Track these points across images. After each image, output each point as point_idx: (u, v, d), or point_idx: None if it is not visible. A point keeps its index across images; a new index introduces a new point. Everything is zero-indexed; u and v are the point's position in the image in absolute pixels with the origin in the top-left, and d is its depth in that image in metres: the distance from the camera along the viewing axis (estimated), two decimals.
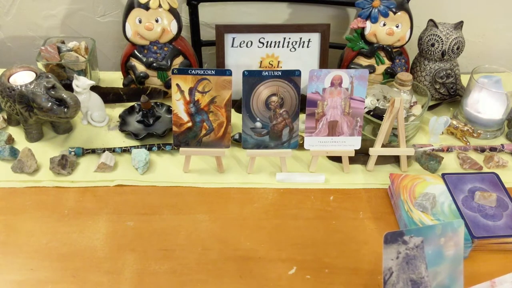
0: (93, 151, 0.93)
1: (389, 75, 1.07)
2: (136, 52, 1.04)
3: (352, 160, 0.92)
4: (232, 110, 0.90)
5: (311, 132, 0.88)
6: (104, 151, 0.93)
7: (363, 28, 1.04)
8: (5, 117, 1.00)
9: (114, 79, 1.14)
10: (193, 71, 0.83)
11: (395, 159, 0.94)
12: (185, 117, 0.86)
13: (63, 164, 0.88)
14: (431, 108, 1.07)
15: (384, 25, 1.03)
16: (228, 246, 0.77)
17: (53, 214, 0.82)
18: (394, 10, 1.02)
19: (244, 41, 1.04)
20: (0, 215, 0.82)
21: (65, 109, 0.87)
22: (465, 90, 1.03)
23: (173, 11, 1.00)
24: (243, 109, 0.86)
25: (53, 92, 0.86)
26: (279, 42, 1.05)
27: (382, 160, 0.93)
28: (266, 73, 0.84)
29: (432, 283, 0.62)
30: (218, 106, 0.86)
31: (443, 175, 0.87)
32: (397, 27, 1.03)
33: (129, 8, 0.99)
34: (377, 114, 0.96)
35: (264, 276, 0.73)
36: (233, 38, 1.04)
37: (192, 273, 0.73)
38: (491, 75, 1.02)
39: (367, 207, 0.84)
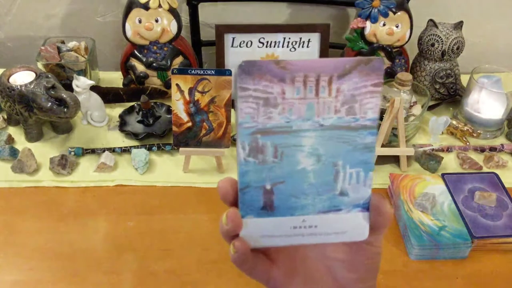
0: (93, 151, 0.93)
1: (389, 75, 1.07)
2: (136, 52, 1.04)
3: None
4: (232, 110, 0.90)
5: None
6: (104, 151, 0.93)
7: (363, 28, 1.04)
8: (5, 117, 1.00)
9: (114, 79, 1.14)
10: (193, 71, 0.83)
11: (395, 159, 0.94)
12: (185, 117, 0.86)
13: (63, 164, 0.88)
14: (431, 108, 1.06)
15: (384, 25, 1.03)
16: (228, 246, 0.77)
17: (53, 214, 0.82)
18: (394, 10, 1.02)
19: (244, 41, 1.04)
20: (0, 215, 0.82)
21: (65, 109, 0.87)
22: (465, 90, 1.03)
23: (173, 11, 1.00)
24: None
25: (53, 92, 0.86)
26: (279, 42, 1.05)
27: (382, 160, 0.93)
28: None
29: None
30: (218, 106, 0.86)
31: (443, 175, 0.87)
32: (397, 27, 1.03)
33: (129, 8, 0.99)
34: None
35: None
36: (233, 38, 1.04)
37: (192, 273, 0.73)
38: (491, 75, 1.01)
39: None
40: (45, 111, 0.87)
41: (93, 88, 1.00)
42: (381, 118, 0.91)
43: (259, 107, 0.34)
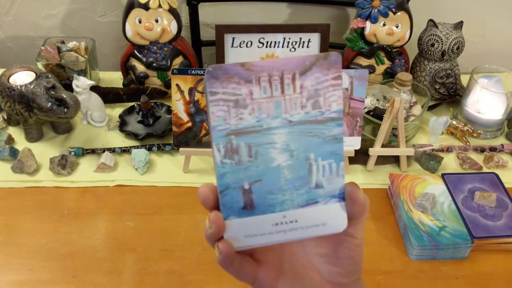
0: (93, 151, 0.93)
1: (389, 75, 1.07)
2: (136, 52, 1.04)
3: (352, 160, 0.92)
4: None
5: None
6: (104, 151, 0.93)
7: (363, 28, 1.04)
8: (5, 117, 1.00)
9: (114, 79, 1.14)
10: (193, 71, 0.83)
11: (395, 159, 0.94)
12: (185, 117, 0.86)
13: (63, 164, 0.88)
14: (431, 108, 1.06)
15: (384, 25, 1.03)
16: None
17: (53, 214, 0.82)
18: (394, 10, 1.02)
19: (244, 41, 1.04)
20: (0, 215, 0.82)
21: (65, 109, 0.86)
22: (465, 90, 1.03)
23: (173, 11, 1.00)
24: None
25: (53, 92, 0.86)
26: (279, 42, 1.05)
27: (382, 160, 0.93)
28: None
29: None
30: None
31: (443, 175, 0.87)
32: (397, 27, 1.03)
33: (129, 8, 0.99)
34: (377, 114, 0.96)
35: None
36: (233, 38, 1.04)
37: (192, 273, 0.73)
38: (491, 75, 1.01)
39: None
40: (45, 111, 0.87)
41: (93, 88, 1.00)
42: (381, 118, 0.91)
43: (229, 109, 0.36)
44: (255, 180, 0.37)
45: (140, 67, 1.05)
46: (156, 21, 1.00)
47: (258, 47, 1.05)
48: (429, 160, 0.92)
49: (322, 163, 0.38)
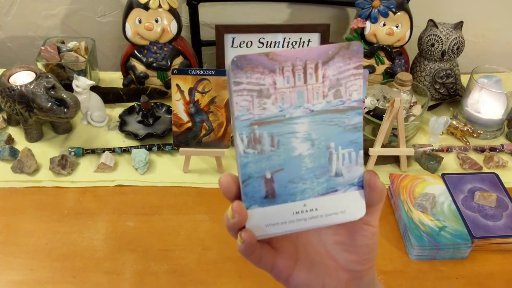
0: (93, 151, 0.93)
1: (389, 75, 1.07)
2: (136, 52, 1.04)
3: None
4: None
5: None
6: (104, 151, 0.93)
7: (363, 28, 1.04)
8: (5, 117, 1.00)
9: (114, 79, 1.14)
10: (193, 71, 0.83)
11: (395, 159, 0.94)
12: (185, 117, 0.86)
13: (63, 164, 0.88)
14: (431, 108, 1.06)
15: (384, 25, 1.03)
16: (228, 246, 0.77)
17: (53, 214, 0.82)
18: (394, 10, 1.02)
19: (244, 41, 1.04)
20: (0, 215, 0.82)
21: (65, 109, 0.87)
22: (465, 90, 1.03)
23: (173, 11, 1.00)
24: None
25: (53, 92, 0.86)
26: (279, 42, 1.05)
27: (382, 160, 0.93)
28: None
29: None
30: (218, 107, 0.86)
31: (443, 175, 0.87)
32: (397, 27, 1.03)
33: (129, 8, 0.99)
34: (377, 114, 0.96)
35: (264, 276, 0.73)
36: (233, 38, 1.04)
37: (192, 273, 0.73)
38: (491, 75, 1.02)
39: None
40: (45, 111, 0.87)
41: (93, 88, 1.00)
42: (381, 118, 0.91)
43: (253, 99, 0.36)
44: (277, 169, 0.38)
45: (140, 67, 1.05)
46: (156, 21, 1.00)
47: (258, 47, 1.05)
48: (429, 160, 0.92)
49: (342, 152, 0.39)
